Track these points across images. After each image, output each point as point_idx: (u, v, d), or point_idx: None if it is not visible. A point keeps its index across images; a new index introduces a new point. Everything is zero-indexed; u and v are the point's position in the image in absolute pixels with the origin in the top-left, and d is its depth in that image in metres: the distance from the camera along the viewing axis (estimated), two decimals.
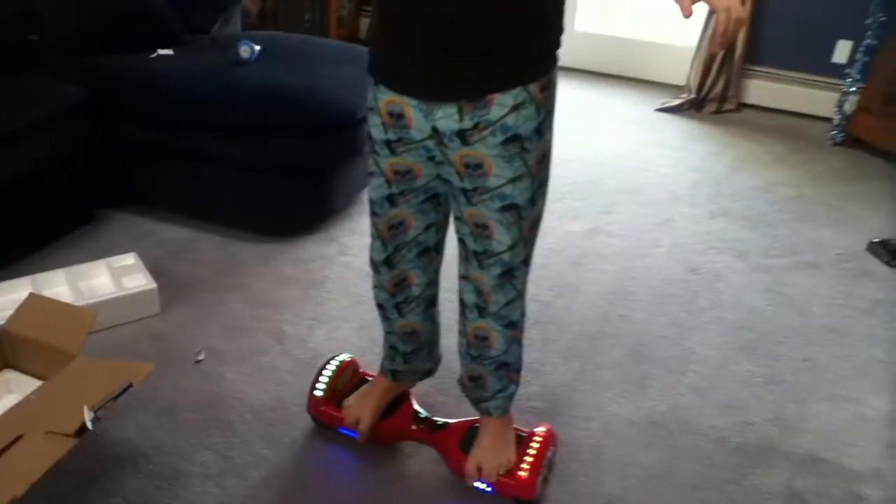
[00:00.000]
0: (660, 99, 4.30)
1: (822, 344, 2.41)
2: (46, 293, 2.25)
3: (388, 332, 1.82)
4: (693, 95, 4.21)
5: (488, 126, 1.40)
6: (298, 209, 2.80)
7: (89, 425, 1.58)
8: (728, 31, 1.27)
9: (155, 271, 2.42)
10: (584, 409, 2.10)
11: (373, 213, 1.63)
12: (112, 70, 2.77)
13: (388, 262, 1.67)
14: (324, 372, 1.93)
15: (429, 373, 1.94)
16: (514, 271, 1.57)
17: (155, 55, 2.88)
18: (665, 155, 3.70)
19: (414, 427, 1.87)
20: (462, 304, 1.67)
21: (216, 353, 2.20)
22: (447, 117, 1.41)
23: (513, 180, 1.45)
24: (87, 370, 1.78)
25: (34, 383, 1.86)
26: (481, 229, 1.51)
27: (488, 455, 1.76)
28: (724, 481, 1.89)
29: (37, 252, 2.58)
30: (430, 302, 1.78)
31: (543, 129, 1.46)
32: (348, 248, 2.75)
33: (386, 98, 1.46)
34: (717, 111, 4.21)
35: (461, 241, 1.59)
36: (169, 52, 2.92)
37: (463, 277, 1.63)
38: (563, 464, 1.91)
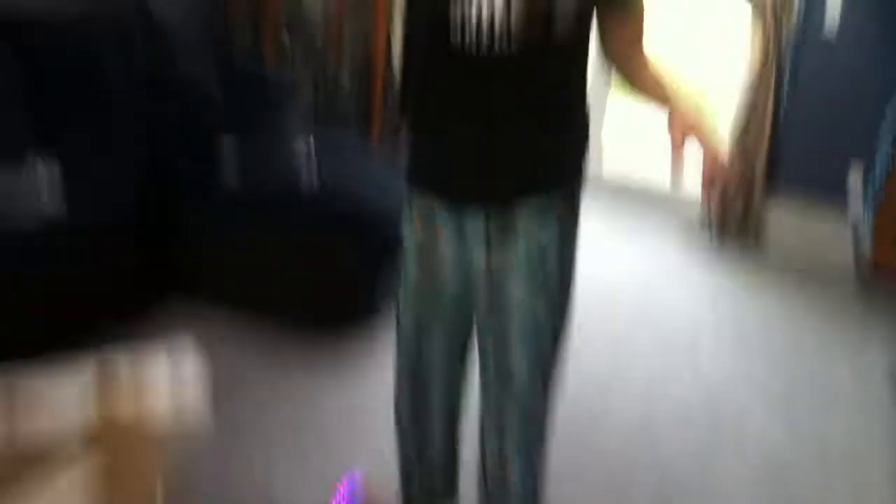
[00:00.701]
0: (684, 231, 4.42)
1: (842, 483, 2.47)
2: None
3: (403, 458, 1.79)
4: (716, 229, 4.32)
5: (513, 235, 1.45)
6: (349, 305, 2.91)
7: None
8: (715, 174, 1.32)
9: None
10: None
11: (402, 326, 1.64)
12: (177, 155, 2.93)
13: (414, 378, 1.67)
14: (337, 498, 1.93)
15: None
16: (534, 398, 1.55)
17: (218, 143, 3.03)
18: (686, 288, 3.80)
19: None
20: (480, 430, 1.64)
21: (265, 460, 2.28)
22: (475, 221, 1.47)
23: (534, 292, 1.47)
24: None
25: None
26: (502, 345, 1.52)
27: None
28: None
29: (90, 336, 2.67)
30: (453, 423, 1.76)
31: (566, 244, 1.50)
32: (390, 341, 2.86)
33: (418, 202, 1.54)
34: (737, 234, 4.33)
35: (483, 355, 1.57)
36: (230, 137, 3.07)
37: (484, 401, 1.60)
38: None
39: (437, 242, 1.54)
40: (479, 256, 1.49)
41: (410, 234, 1.57)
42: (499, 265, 1.47)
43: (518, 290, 1.47)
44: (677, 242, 4.23)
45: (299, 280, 2.89)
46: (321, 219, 2.80)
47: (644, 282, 3.71)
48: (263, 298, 2.96)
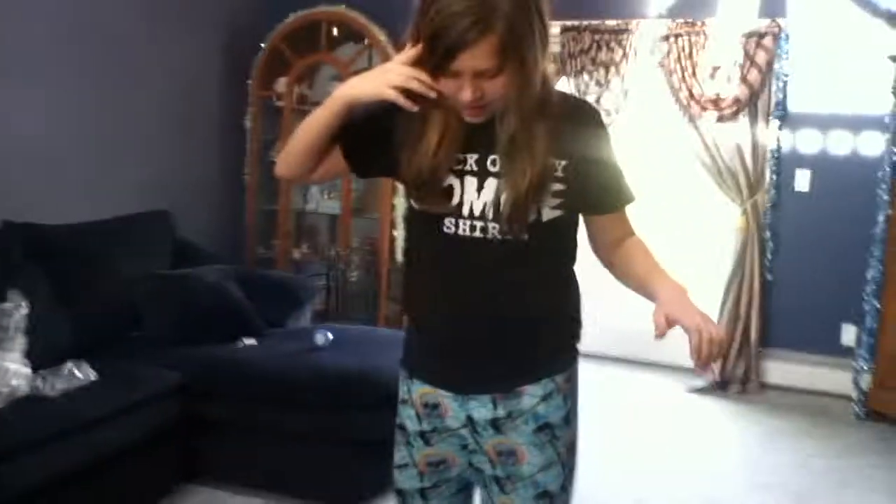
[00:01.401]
0: (684, 382, 4.59)
1: None
2: None
3: None
4: (717, 379, 4.51)
5: (521, 415, 1.46)
6: (362, 479, 2.99)
7: None
8: (703, 351, 1.28)
9: None
10: None
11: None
12: (204, 358, 3.15)
13: None
14: None
15: None
16: None
17: (241, 345, 3.28)
18: (698, 435, 3.92)
19: None
20: None
21: None
22: (482, 406, 1.47)
23: (545, 468, 1.48)
24: None
25: None
26: None
27: None
28: None
29: None
30: None
31: (570, 416, 1.51)
32: None
33: (420, 390, 1.52)
34: (741, 392, 4.48)
35: None
36: (252, 341, 3.32)
37: None
38: None
39: (441, 427, 1.52)
40: (486, 440, 1.49)
41: (410, 418, 1.55)
42: (508, 447, 1.48)
43: (529, 467, 1.48)
44: (686, 394, 4.36)
45: (319, 460, 3.01)
46: (338, 401, 2.97)
47: (656, 432, 3.80)
48: (283, 479, 3.06)
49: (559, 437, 1.49)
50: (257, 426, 3.06)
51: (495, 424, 1.47)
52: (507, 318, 1.44)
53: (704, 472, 3.44)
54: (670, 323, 1.32)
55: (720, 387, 4.51)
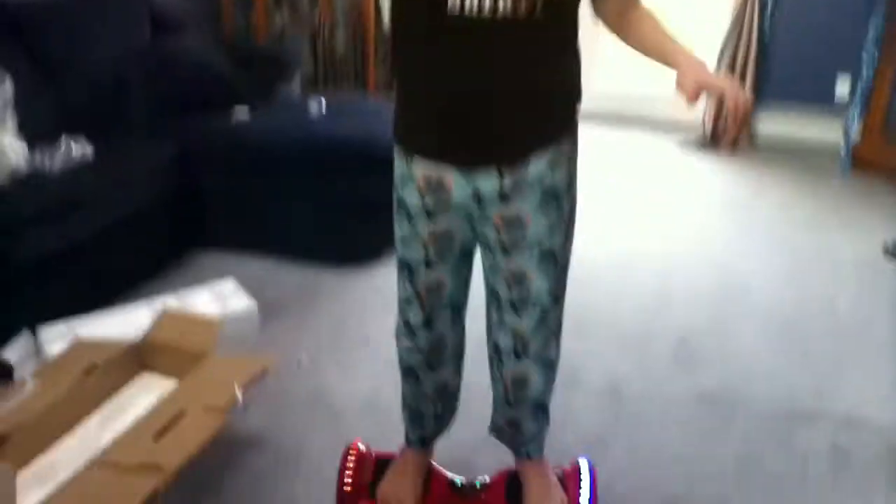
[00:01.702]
0: (677, 139, 4.64)
1: (846, 331, 2.69)
2: None
3: (414, 398, 1.79)
4: (708, 133, 4.56)
5: (528, 184, 1.47)
6: (366, 240, 3.12)
7: (241, 403, 1.87)
8: (739, 111, 1.34)
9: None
10: (644, 389, 2.37)
11: (408, 279, 1.63)
12: (199, 129, 3.15)
13: (427, 324, 1.67)
14: (347, 467, 1.80)
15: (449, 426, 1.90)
16: (551, 313, 1.62)
17: (235, 115, 3.25)
18: (690, 183, 4.03)
19: (455, 496, 1.80)
20: (496, 349, 1.70)
21: (313, 359, 2.49)
22: (488, 179, 1.46)
23: (550, 230, 1.52)
24: (222, 365, 2.09)
25: (170, 383, 2.15)
26: (519, 279, 1.56)
27: (545, 502, 1.76)
28: (774, 438, 2.16)
29: (133, 288, 2.88)
30: (461, 354, 1.80)
31: (573, 180, 1.55)
32: None
33: (422, 167, 1.50)
34: (732, 146, 4.55)
35: (493, 292, 1.63)
36: (245, 111, 3.29)
37: (498, 324, 1.66)
38: (630, 433, 2.18)
39: (446, 203, 1.51)
40: (493, 210, 1.50)
41: (412, 195, 1.53)
42: (515, 214, 1.50)
43: (534, 232, 1.51)
44: (678, 150, 4.44)
45: (320, 224, 3.09)
46: (335, 166, 3.00)
47: (654, 176, 3.92)
48: (288, 243, 3.16)
49: (563, 201, 1.52)
50: (258, 194, 3.12)
51: (502, 195, 1.47)
52: (516, 91, 1.41)
53: (694, 218, 3.58)
54: (700, 88, 1.35)
55: (710, 142, 4.58)
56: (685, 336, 2.64)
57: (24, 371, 2.28)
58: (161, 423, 1.85)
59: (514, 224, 1.50)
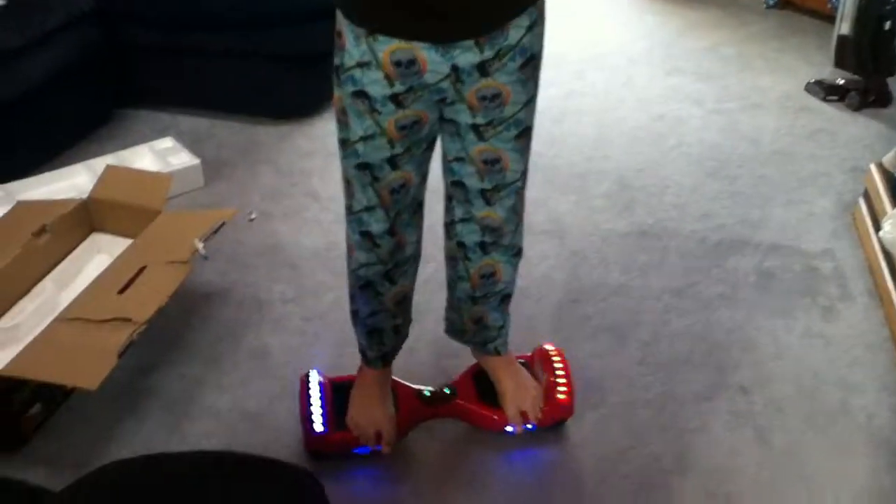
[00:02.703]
0: None
1: (773, 164, 2.84)
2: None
3: (373, 313, 1.65)
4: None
5: (509, 51, 1.35)
6: (305, 93, 3.07)
7: (202, 251, 1.90)
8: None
9: None
10: (584, 227, 2.49)
11: (369, 184, 1.46)
12: None
13: (391, 231, 1.53)
14: (311, 403, 1.69)
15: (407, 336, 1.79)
16: (522, 196, 1.57)
17: None
18: (617, 26, 4.05)
19: (428, 407, 1.74)
20: (461, 246, 1.62)
21: (264, 213, 2.51)
22: (467, 51, 1.32)
23: (526, 104, 1.43)
24: (176, 220, 2.09)
25: (122, 242, 2.15)
26: (492, 164, 1.48)
27: (521, 395, 1.73)
28: (708, 266, 2.32)
29: (65, 151, 2.79)
30: (419, 256, 1.67)
31: (543, 39, 1.44)
32: None
33: (388, 48, 1.30)
34: None
35: (458, 184, 1.53)
36: None
37: (462, 220, 1.58)
38: (574, 269, 2.31)
39: (418, 85, 1.35)
40: (471, 86, 1.36)
41: (376, 83, 1.34)
42: (494, 89, 1.38)
43: (512, 107, 1.41)
44: None
45: (258, 77, 3.01)
46: (270, 17, 2.89)
47: (584, 22, 3.92)
48: (224, 98, 3.08)
49: (538, 66, 1.42)
50: (188, 48, 2.99)
51: (482, 68, 1.34)
52: None
53: (622, 60, 3.62)
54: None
55: None
56: (622, 177, 2.75)
57: None
58: (123, 279, 1.87)
59: (492, 101, 1.39)
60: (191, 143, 2.83)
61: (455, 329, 1.80)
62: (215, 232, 2.00)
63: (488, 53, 1.33)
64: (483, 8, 1.32)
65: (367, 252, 1.55)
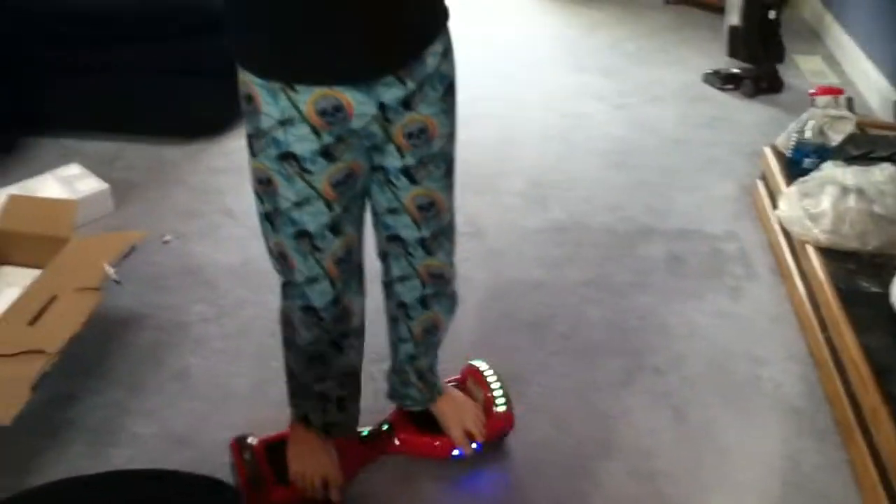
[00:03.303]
0: None
1: (675, 153, 2.96)
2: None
3: (319, 379, 1.55)
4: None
5: (429, 80, 1.30)
6: (212, 109, 3.03)
7: (115, 277, 1.87)
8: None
9: None
10: (501, 226, 2.54)
11: (310, 254, 1.36)
12: None
13: (336, 301, 1.44)
14: (243, 465, 1.61)
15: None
16: (454, 229, 1.53)
17: None
18: (521, 28, 4.14)
19: (367, 447, 1.72)
20: (401, 308, 1.57)
21: (178, 234, 2.48)
22: (391, 87, 1.26)
23: (450, 136, 1.41)
24: (85, 246, 2.05)
25: (31, 273, 2.09)
26: (427, 210, 1.43)
27: (464, 417, 1.71)
28: (619, 256, 2.41)
29: None
30: (363, 331, 1.59)
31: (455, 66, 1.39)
32: None
33: (311, 96, 1.21)
34: None
35: (394, 238, 1.46)
36: None
37: (401, 279, 1.52)
38: (492, 267, 2.35)
39: (346, 132, 1.27)
40: (397, 124, 1.31)
41: (303, 139, 1.24)
42: (419, 124, 1.33)
43: (439, 141, 1.37)
44: None
45: (163, 95, 2.97)
46: (172, 30, 2.86)
47: (489, 21, 3.99)
48: (130, 120, 3.03)
49: (456, 94, 1.39)
50: (91, 66, 2.93)
51: (406, 102, 1.29)
52: None
53: (527, 61, 3.70)
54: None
55: None
56: (533, 175, 2.82)
57: None
58: (33, 310, 1.82)
59: (419, 137, 1.33)
60: (98, 167, 2.77)
61: (399, 393, 1.73)
62: (126, 255, 1.98)
63: (411, 86, 1.28)
64: (399, 37, 1.26)
65: (311, 328, 1.46)
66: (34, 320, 1.79)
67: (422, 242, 1.47)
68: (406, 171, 1.37)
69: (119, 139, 2.99)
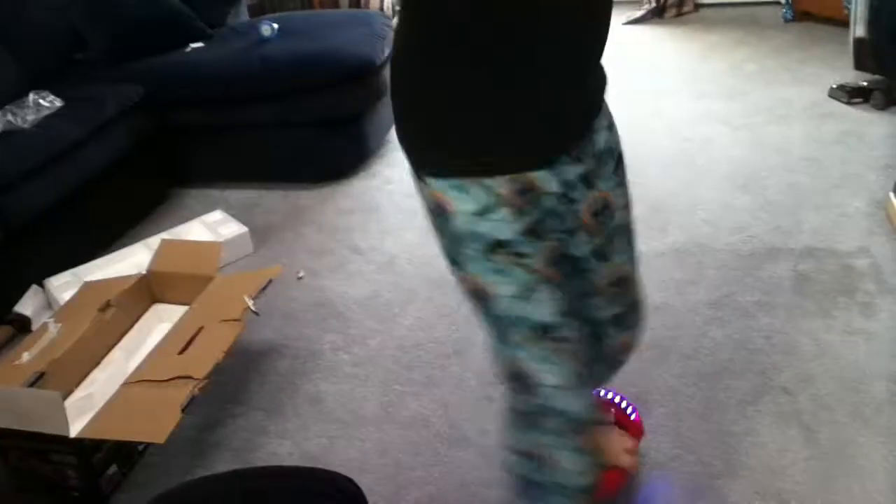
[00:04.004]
0: (624, 15, 4.72)
1: (802, 171, 2.87)
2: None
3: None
4: (654, 5, 4.64)
5: (601, 155, 1.24)
6: (341, 155, 3.23)
7: (254, 310, 2.03)
8: None
9: None
10: None
11: (553, 351, 1.18)
12: (157, 68, 3.19)
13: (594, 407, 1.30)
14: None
15: None
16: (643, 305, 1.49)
17: (189, 49, 3.30)
18: (641, 57, 4.14)
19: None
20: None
21: (310, 271, 2.64)
22: (567, 166, 1.17)
23: (627, 204, 1.35)
24: (228, 283, 2.23)
25: (181, 309, 2.29)
26: (620, 285, 1.37)
27: (618, 440, 1.72)
28: (743, 276, 2.36)
29: (126, 232, 2.99)
30: None
31: None
32: (390, 179, 3.19)
33: (507, 179, 1.09)
34: (678, 15, 4.65)
35: (589, 321, 1.34)
36: (200, 44, 3.34)
37: (594, 360, 1.36)
38: None
39: (542, 211, 1.14)
40: (581, 204, 1.22)
41: (505, 222, 1.10)
42: (602, 201, 1.26)
43: (620, 213, 1.32)
44: (623, 25, 4.53)
45: (296, 145, 3.19)
46: (298, 84, 3.07)
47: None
48: (266, 169, 3.27)
49: (624, 163, 1.32)
50: (229, 124, 3.20)
51: (586, 179, 1.20)
52: (607, 19, 1.15)
53: (649, 91, 3.71)
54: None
55: (656, 14, 4.66)
56: (655, 200, 2.81)
57: (41, 318, 2.41)
58: (183, 341, 2.00)
59: (603, 216, 1.25)
60: (239, 213, 3.00)
61: None
62: (264, 289, 2.13)
63: (589, 162, 1.20)
64: (597, 101, 1.22)
65: (581, 454, 1.23)
66: (183, 350, 1.97)
67: (616, 320, 1.39)
68: (595, 253, 1.29)
69: (256, 188, 3.23)
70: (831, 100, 3.34)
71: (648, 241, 2.58)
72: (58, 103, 2.86)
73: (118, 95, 3.02)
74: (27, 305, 2.55)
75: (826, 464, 1.74)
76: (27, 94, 2.86)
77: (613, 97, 1.35)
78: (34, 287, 2.60)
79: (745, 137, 3.17)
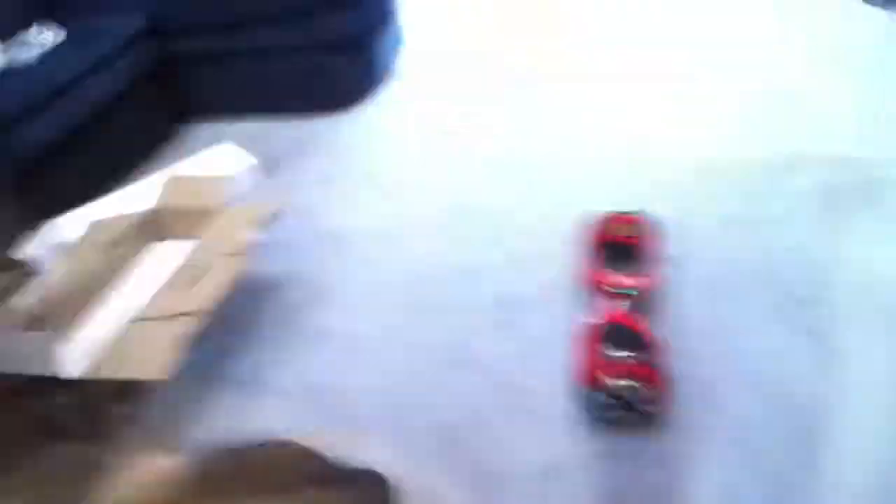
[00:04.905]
0: None
1: (829, 79, 2.72)
2: None
3: None
4: None
5: None
6: (348, 80, 3.15)
7: (258, 239, 1.99)
8: None
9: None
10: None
11: None
12: None
13: None
14: None
15: None
16: None
17: None
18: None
19: None
20: None
21: (320, 199, 2.60)
22: None
23: None
24: (234, 215, 2.19)
25: (188, 244, 2.26)
26: None
27: None
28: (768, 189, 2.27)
29: (135, 167, 2.95)
30: None
31: None
32: (400, 106, 3.12)
33: None
34: None
35: None
36: None
37: None
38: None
39: None
40: None
41: None
42: None
43: None
44: None
45: (302, 72, 3.11)
46: (304, 9, 2.98)
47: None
48: (274, 99, 3.20)
49: None
50: (234, 53, 3.12)
51: None
52: None
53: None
54: None
55: None
56: None
57: (50, 259, 2.40)
58: (188, 276, 1.97)
59: None
60: (248, 145, 2.94)
61: None
62: (271, 221, 2.09)
63: None
64: None
65: None
66: (188, 285, 1.94)
67: None
68: None
69: (264, 119, 3.17)
70: (864, 6, 3.16)
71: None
72: (62, 35, 2.79)
73: (120, 27, 2.94)
74: (37, 244, 2.53)
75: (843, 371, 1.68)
76: (30, 26, 2.79)
77: None
78: (44, 225, 2.58)
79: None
